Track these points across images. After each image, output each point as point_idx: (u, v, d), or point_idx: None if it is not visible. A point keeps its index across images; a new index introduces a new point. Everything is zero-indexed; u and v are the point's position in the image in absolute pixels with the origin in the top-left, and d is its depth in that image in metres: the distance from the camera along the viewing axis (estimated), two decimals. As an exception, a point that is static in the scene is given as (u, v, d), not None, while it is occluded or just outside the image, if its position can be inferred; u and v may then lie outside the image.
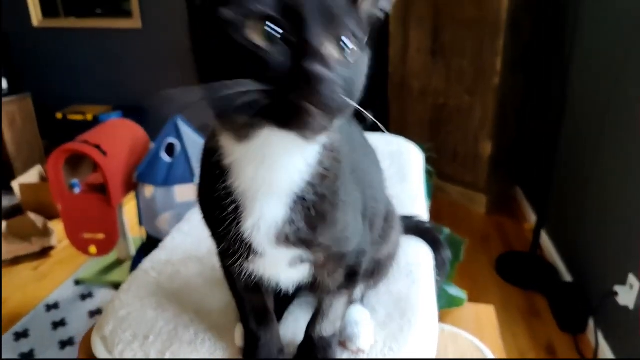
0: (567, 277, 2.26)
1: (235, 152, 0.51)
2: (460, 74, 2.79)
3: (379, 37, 3.03)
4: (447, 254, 0.97)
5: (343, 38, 0.44)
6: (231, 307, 0.77)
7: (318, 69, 0.39)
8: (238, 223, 0.54)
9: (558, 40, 2.46)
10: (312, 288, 0.66)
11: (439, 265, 0.93)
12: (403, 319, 0.72)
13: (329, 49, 0.43)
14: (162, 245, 0.97)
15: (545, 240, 2.55)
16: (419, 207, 1.15)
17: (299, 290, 0.71)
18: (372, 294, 0.79)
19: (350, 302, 0.68)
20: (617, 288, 1.75)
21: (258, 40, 0.41)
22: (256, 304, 0.67)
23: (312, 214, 0.54)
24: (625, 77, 1.86)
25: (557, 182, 2.38)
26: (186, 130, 2.30)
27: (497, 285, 2.31)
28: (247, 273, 0.61)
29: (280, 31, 0.41)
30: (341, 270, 0.62)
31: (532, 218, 2.73)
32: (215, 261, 0.68)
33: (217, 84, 0.40)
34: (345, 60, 0.44)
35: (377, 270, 0.77)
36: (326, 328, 0.64)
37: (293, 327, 0.75)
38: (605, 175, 1.99)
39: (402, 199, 1.12)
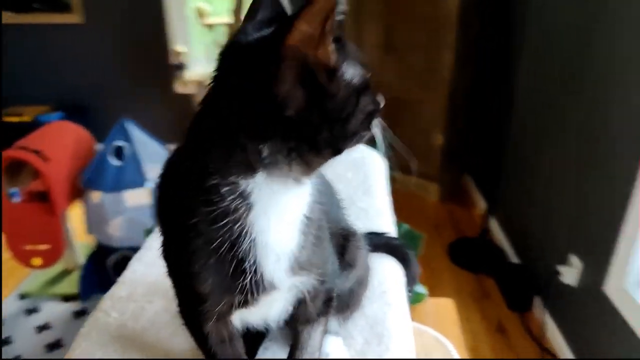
0: (514, 259, 2.38)
1: (242, 193, 0.52)
2: (412, 69, 2.85)
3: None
4: (416, 269, 0.99)
5: None
6: None
7: None
8: (256, 264, 0.54)
9: (505, 34, 2.55)
10: (291, 320, 0.67)
11: (409, 281, 0.95)
12: (380, 346, 0.72)
13: None
14: (121, 280, 0.89)
15: (494, 225, 2.67)
16: (386, 222, 1.14)
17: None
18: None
19: (325, 331, 0.69)
20: (560, 268, 1.85)
21: None
22: (231, 353, 0.66)
23: (315, 237, 0.57)
24: (568, 71, 1.96)
25: (504, 170, 2.49)
26: (135, 132, 2.23)
27: (450, 271, 2.39)
28: (232, 322, 0.63)
29: None
30: (322, 295, 0.64)
31: (481, 205, 2.84)
32: None
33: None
34: None
35: (351, 299, 0.78)
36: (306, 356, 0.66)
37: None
38: (549, 163, 2.09)
39: (369, 213, 1.11)
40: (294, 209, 0.54)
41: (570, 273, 1.81)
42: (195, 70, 3.69)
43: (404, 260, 0.99)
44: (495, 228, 2.65)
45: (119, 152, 2.18)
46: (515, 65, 2.32)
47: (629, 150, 1.48)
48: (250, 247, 0.53)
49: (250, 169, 0.49)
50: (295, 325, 0.67)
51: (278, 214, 0.53)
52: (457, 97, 2.78)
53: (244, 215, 0.52)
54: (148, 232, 1.95)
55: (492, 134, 2.63)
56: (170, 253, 0.61)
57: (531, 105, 2.28)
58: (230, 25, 3.04)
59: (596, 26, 1.71)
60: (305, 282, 0.60)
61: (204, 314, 0.59)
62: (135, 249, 2.14)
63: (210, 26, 3.28)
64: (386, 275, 0.90)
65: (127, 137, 2.19)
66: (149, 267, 0.91)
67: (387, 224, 1.10)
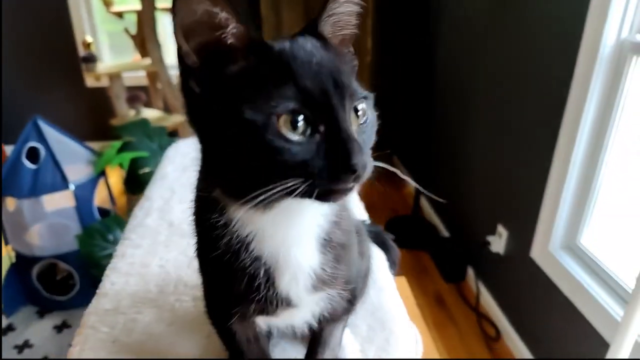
0: (446, 233, 2.51)
1: (256, 222, 0.50)
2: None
3: (251, 21, 2.97)
4: (396, 253, 1.01)
5: (358, 107, 0.46)
6: (209, 350, 0.71)
7: (360, 159, 0.42)
8: (270, 282, 0.53)
9: (424, 17, 2.64)
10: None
11: (391, 265, 0.97)
12: (385, 330, 0.73)
13: (353, 126, 0.45)
14: (100, 292, 0.82)
15: (424, 203, 2.79)
16: (357, 208, 1.14)
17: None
18: None
19: (345, 325, 0.68)
20: (489, 238, 1.98)
21: (286, 132, 0.41)
22: (257, 352, 0.66)
23: (336, 255, 0.56)
24: (485, 52, 2.07)
25: (431, 150, 2.60)
26: (50, 131, 2.06)
27: (387, 250, 2.47)
28: (259, 325, 0.62)
29: (303, 122, 0.42)
30: (346, 297, 0.63)
31: (411, 186, 2.95)
32: (172, 300, 0.62)
33: (268, 189, 0.41)
34: (364, 125, 0.47)
35: (359, 290, 0.77)
36: (327, 355, 0.65)
37: (281, 356, 0.72)
38: (472, 141, 2.21)
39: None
40: (301, 231, 0.53)
41: (498, 242, 1.94)
42: (106, 62, 3.47)
43: (384, 245, 1.01)
44: (425, 205, 2.78)
45: (33, 154, 2.01)
46: (435, 46, 2.43)
47: (547, 123, 1.60)
48: (258, 266, 0.53)
49: (227, 198, 0.48)
50: (318, 324, 0.65)
51: (283, 237, 0.52)
52: (379, 80, 2.85)
53: (247, 238, 0.51)
54: (82, 238, 1.84)
55: (418, 116, 2.73)
56: (199, 255, 0.62)
57: (452, 85, 2.40)
58: (139, 12, 2.88)
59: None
60: (329, 296, 0.59)
61: (228, 314, 0.59)
62: (60, 257, 2.03)
63: (118, 14, 3.08)
64: (374, 261, 0.91)
65: (41, 138, 2.02)
66: (127, 277, 0.86)
67: (358, 211, 1.12)
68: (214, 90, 0.44)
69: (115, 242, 1.83)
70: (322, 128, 0.43)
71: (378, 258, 0.96)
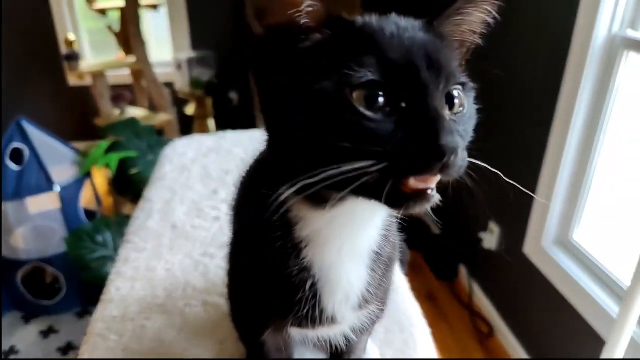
0: (437, 231, 2.52)
1: (314, 223, 0.45)
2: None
3: (237, 17, 2.95)
4: (406, 253, 0.99)
5: (453, 92, 0.41)
6: (223, 356, 0.69)
7: (452, 141, 0.35)
8: (316, 298, 0.49)
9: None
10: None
11: (401, 266, 0.95)
12: (404, 333, 0.72)
13: (446, 111, 0.39)
14: (106, 298, 0.80)
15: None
16: None
17: None
18: None
19: (371, 333, 0.65)
20: (482, 234, 2.00)
21: (360, 107, 0.36)
22: (282, 357, 0.64)
23: (383, 272, 0.52)
24: (477, 47, 2.08)
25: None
26: (34, 132, 2.01)
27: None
28: (292, 336, 0.58)
29: (383, 98, 0.36)
30: (382, 308, 0.61)
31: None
32: (181, 305, 0.59)
33: (335, 168, 0.35)
34: (459, 115, 0.41)
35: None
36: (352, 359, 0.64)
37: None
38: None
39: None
40: (358, 241, 0.49)
41: (490, 239, 1.96)
42: (88, 61, 3.40)
43: None
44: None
45: (17, 156, 1.95)
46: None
47: (539, 119, 1.61)
48: (305, 278, 0.49)
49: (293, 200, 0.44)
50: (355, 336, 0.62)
51: (340, 246, 0.47)
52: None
53: (301, 244, 0.47)
54: (70, 241, 1.79)
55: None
56: (237, 257, 0.57)
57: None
58: (122, 9, 2.83)
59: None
60: (370, 311, 0.56)
61: (262, 325, 0.55)
62: (46, 260, 1.98)
63: (101, 11, 3.02)
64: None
65: (25, 138, 1.97)
66: (133, 282, 0.83)
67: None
68: (286, 68, 0.39)
69: (104, 245, 1.79)
70: (404, 106, 0.37)
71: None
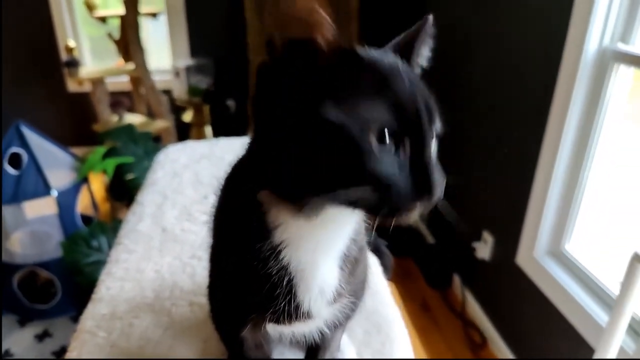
0: (431, 239, 2.53)
1: (295, 229, 0.49)
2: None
3: (236, 25, 2.98)
4: (390, 259, 1.01)
5: (436, 131, 0.46)
6: (206, 354, 0.70)
7: (440, 184, 0.44)
8: (291, 294, 0.53)
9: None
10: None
11: (385, 271, 0.97)
12: (381, 334, 0.74)
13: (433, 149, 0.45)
14: (96, 297, 0.82)
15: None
16: None
17: None
18: None
19: (344, 329, 0.68)
20: (475, 244, 2.01)
21: (375, 144, 0.41)
22: (261, 356, 0.66)
23: (350, 267, 0.56)
24: (469, 61, 2.10)
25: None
26: (32, 137, 2.03)
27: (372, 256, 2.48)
28: (269, 333, 0.61)
29: (390, 136, 0.41)
30: (354, 303, 0.63)
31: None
32: (168, 305, 0.60)
33: (342, 192, 0.41)
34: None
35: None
36: (327, 356, 0.65)
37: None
38: (457, 149, 2.24)
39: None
40: (332, 244, 0.53)
41: (484, 248, 1.97)
42: (88, 67, 3.43)
43: (377, 251, 1.01)
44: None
45: (15, 160, 1.97)
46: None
47: (531, 130, 1.63)
48: (282, 275, 0.52)
49: (276, 199, 0.47)
50: (328, 330, 0.65)
51: (315, 248, 0.51)
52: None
53: (281, 245, 0.51)
54: (66, 245, 1.80)
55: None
56: (216, 258, 0.61)
57: (437, 94, 2.42)
58: (122, 17, 2.86)
59: None
60: (341, 305, 0.59)
61: (241, 321, 0.58)
62: (42, 264, 1.99)
63: (102, 19, 3.05)
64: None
65: (23, 143, 1.98)
66: (123, 282, 0.85)
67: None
68: (295, 85, 0.43)
69: (99, 249, 1.80)
70: (407, 146, 0.43)
71: (371, 262, 0.96)
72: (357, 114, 0.40)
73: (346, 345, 0.70)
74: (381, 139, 0.41)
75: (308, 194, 0.43)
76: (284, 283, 0.52)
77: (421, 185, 0.42)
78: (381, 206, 0.42)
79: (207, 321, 0.69)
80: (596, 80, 1.39)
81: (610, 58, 1.34)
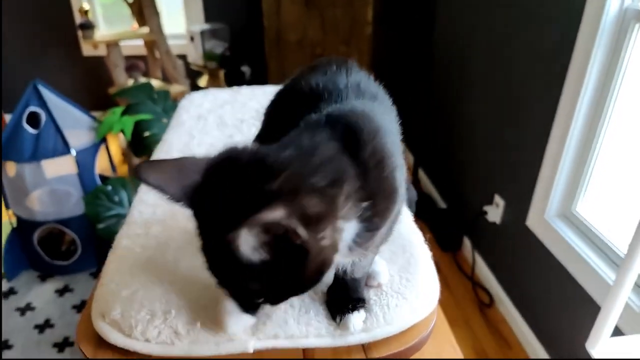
0: (442, 205, 2.55)
1: None
2: (334, 25, 2.86)
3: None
4: (414, 194, 1.02)
5: None
6: None
7: None
8: None
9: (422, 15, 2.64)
10: None
11: (409, 205, 0.99)
12: (406, 254, 0.76)
13: None
14: (129, 220, 0.85)
15: (422, 176, 2.83)
16: None
17: None
18: None
19: (376, 255, 0.68)
20: (486, 207, 2.03)
21: None
22: None
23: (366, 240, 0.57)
24: (486, 19, 2.08)
25: (429, 123, 2.62)
26: (50, 97, 2.06)
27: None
28: None
29: None
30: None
31: (409, 158, 2.99)
32: None
33: None
34: None
35: None
36: (357, 272, 0.66)
37: None
38: (470, 112, 2.24)
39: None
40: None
41: (495, 212, 1.99)
42: (103, 30, 3.43)
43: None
44: (423, 178, 2.82)
45: (34, 119, 2.01)
46: (436, 14, 2.43)
47: (547, 92, 1.62)
48: None
49: None
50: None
51: None
52: (380, 52, 2.85)
53: None
54: (88, 199, 1.85)
55: (416, 86, 2.75)
56: None
57: (452, 55, 2.41)
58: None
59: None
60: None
61: None
62: (62, 222, 2.04)
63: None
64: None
65: (41, 102, 2.02)
66: (154, 208, 0.87)
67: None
68: None
69: (120, 203, 1.85)
70: None
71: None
72: None
73: (381, 270, 0.72)
74: None
75: None
76: None
77: None
78: None
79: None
80: (616, 40, 1.37)
81: (631, 17, 1.32)
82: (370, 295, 0.69)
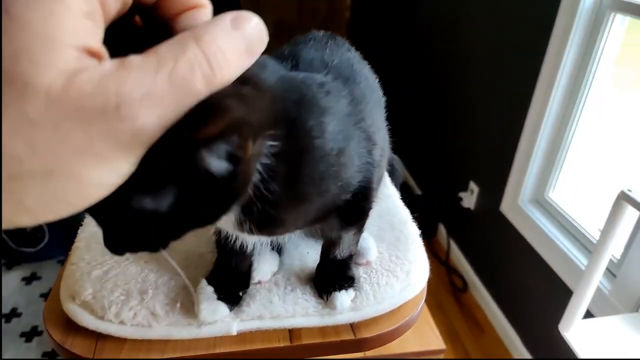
0: (417, 191, 2.57)
1: None
2: (312, 9, 2.83)
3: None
4: (399, 175, 1.01)
5: None
6: None
7: None
8: None
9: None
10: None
11: (395, 184, 0.98)
12: (394, 230, 0.75)
13: None
14: None
15: (397, 163, 2.84)
16: None
17: None
18: None
19: (361, 231, 0.65)
20: (461, 194, 2.05)
21: None
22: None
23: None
24: (467, 8, 2.08)
25: (405, 107, 2.63)
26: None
27: (360, 208, 2.52)
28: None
29: None
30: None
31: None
32: None
33: None
34: None
35: None
36: (343, 251, 0.64)
37: (296, 253, 0.70)
38: (446, 99, 2.25)
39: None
40: None
41: (469, 198, 2.01)
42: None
43: (390, 166, 1.01)
44: (399, 166, 2.83)
45: None
46: (417, 5, 2.43)
47: (523, 81, 1.64)
48: None
49: None
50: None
51: None
52: (358, 37, 2.84)
53: None
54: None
55: (392, 76, 2.75)
56: None
57: (433, 42, 2.41)
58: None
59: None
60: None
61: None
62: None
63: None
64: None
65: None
66: None
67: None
68: None
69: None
70: None
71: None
72: None
73: (370, 246, 0.71)
74: None
75: None
76: None
77: None
78: None
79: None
80: (592, 29, 1.39)
81: (607, 6, 1.34)
82: (360, 273, 0.67)
